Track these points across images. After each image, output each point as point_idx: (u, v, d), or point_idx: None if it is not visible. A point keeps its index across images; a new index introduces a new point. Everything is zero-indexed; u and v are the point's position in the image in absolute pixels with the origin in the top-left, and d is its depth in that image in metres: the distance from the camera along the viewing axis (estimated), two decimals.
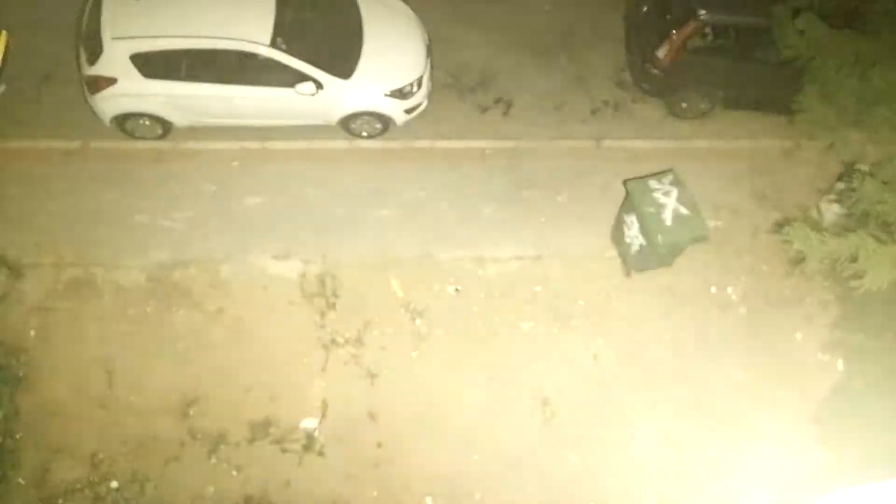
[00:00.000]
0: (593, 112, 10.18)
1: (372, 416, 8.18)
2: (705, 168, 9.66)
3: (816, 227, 7.75)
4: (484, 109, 10.10)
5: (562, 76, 10.36)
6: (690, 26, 9.29)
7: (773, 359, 8.81)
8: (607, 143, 9.95)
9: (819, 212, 9.39)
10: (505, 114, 10.09)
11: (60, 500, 7.47)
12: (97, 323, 8.34)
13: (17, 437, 7.61)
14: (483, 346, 8.63)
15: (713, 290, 9.17)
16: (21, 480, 7.54)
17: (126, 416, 7.92)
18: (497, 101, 10.17)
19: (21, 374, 7.86)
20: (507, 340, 8.68)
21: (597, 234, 9.28)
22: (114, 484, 7.60)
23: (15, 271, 8.37)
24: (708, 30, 9.40)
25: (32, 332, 8.22)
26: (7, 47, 9.21)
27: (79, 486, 7.55)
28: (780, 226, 8.44)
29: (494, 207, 9.45)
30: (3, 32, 9.17)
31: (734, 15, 9.31)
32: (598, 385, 8.54)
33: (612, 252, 9.21)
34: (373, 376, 8.36)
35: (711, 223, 8.96)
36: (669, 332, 8.89)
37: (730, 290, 9.17)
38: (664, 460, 8.23)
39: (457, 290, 8.94)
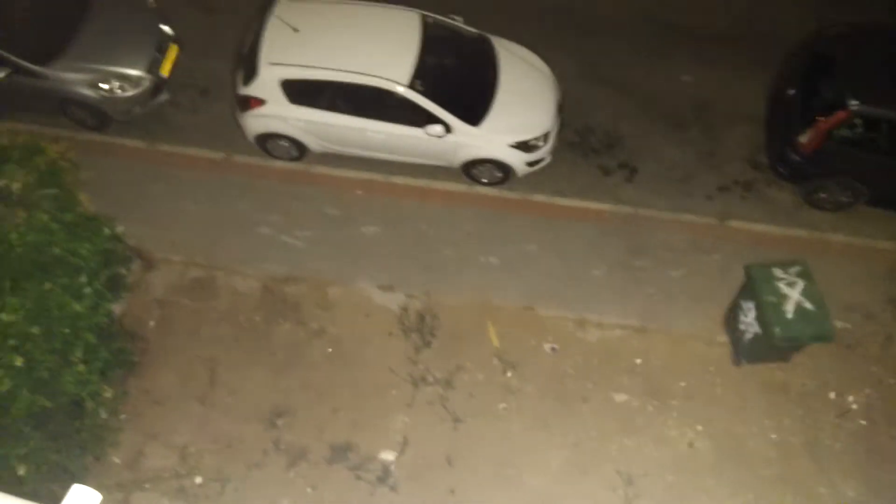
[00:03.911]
0: (721, 189, 9.85)
1: (449, 461, 8.09)
2: (838, 265, 9.07)
3: None
4: (607, 172, 10.01)
5: (693, 149, 10.11)
6: (839, 116, 8.82)
7: (889, 481, 8.00)
8: (733, 223, 9.57)
9: None
10: (628, 179, 9.94)
11: (148, 485, 7.76)
12: (210, 323, 8.78)
13: (121, 417, 8.04)
14: (572, 410, 8.38)
15: (832, 395, 8.49)
16: (117, 459, 7.91)
17: (220, 416, 8.22)
18: (621, 166, 10.05)
19: (135, 360, 8.33)
20: (598, 408, 8.40)
21: (708, 315, 8.87)
22: (198, 479, 7.85)
23: (147, 263, 8.97)
24: (858, 121, 8.89)
25: (152, 323, 8.74)
26: (176, 60, 10.11)
27: (166, 475, 7.84)
28: None
29: (604, 272, 9.27)
30: (174, 46, 10.09)
31: (889, 109, 8.76)
32: (690, 474, 8.05)
33: (724, 337, 8.76)
34: (457, 421, 8.30)
35: (838, 324, 8.35)
36: (777, 432, 8.28)
37: (851, 398, 8.47)
38: None
39: (553, 348, 8.78)
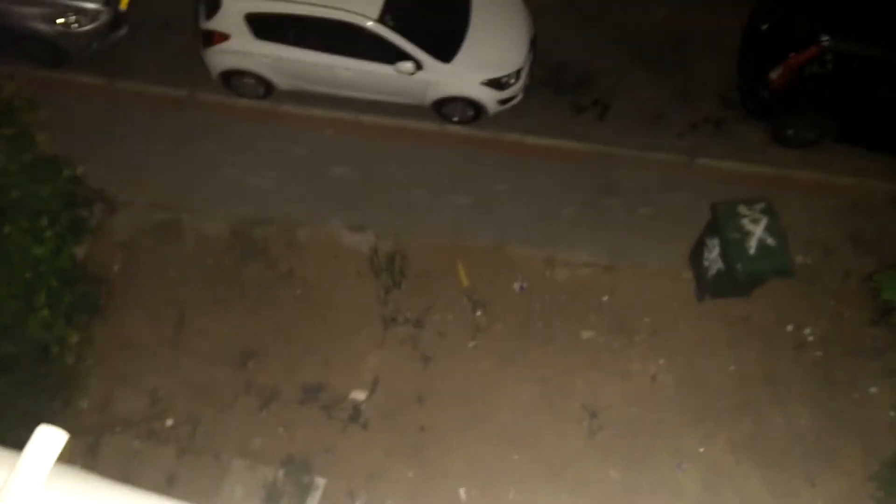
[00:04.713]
0: (692, 127, 9.82)
1: (420, 399, 8.25)
2: (803, 201, 9.18)
3: None
4: (579, 110, 9.92)
5: (666, 86, 10.03)
6: (811, 51, 8.77)
7: (842, 409, 8.33)
8: (702, 160, 9.59)
9: None
10: (601, 117, 9.87)
11: (118, 429, 7.83)
12: (177, 266, 8.73)
13: (88, 362, 8.03)
14: (540, 347, 8.54)
15: (790, 328, 8.72)
16: (85, 404, 7.94)
17: (190, 359, 8.27)
18: (594, 104, 9.95)
19: (100, 304, 8.26)
20: (565, 345, 8.56)
21: (675, 252, 8.98)
22: (169, 422, 7.94)
23: (110, 205, 8.83)
24: (829, 57, 8.84)
25: (117, 266, 8.67)
26: None
27: (137, 418, 7.91)
28: (872, 272, 7.96)
29: (574, 210, 9.30)
30: None
31: (860, 46, 8.71)
32: (652, 406, 8.31)
33: (688, 274, 8.90)
34: (427, 360, 8.43)
35: (799, 259, 8.53)
36: (736, 364, 8.53)
37: (808, 331, 8.70)
38: (706, 492, 7.93)
39: (523, 287, 8.87)
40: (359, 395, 8.25)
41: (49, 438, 2.69)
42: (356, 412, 8.15)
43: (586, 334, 8.64)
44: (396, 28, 8.78)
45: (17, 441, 2.68)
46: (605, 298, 8.80)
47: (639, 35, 10.27)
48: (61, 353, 6.70)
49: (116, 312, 8.35)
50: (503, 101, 9.48)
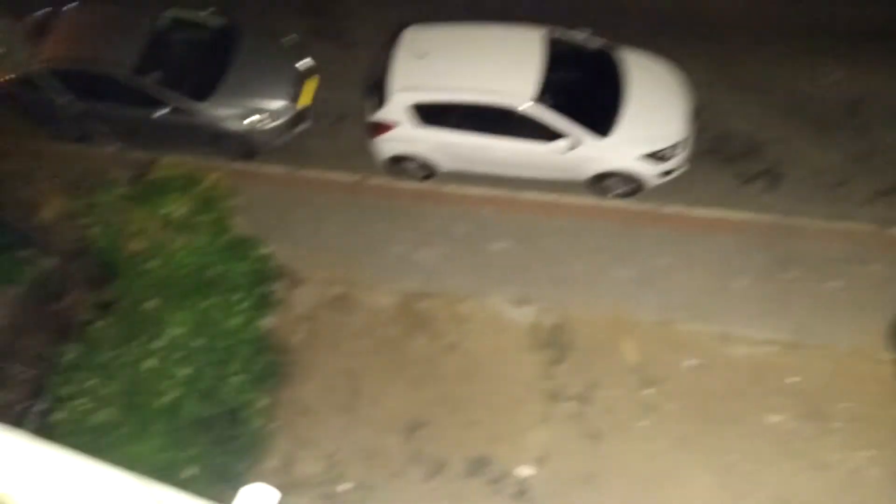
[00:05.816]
0: (881, 194, 9.08)
1: (589, 479, 7.89)
2: None
3: None
4: (747, 180, 9.51)
5: (844, 152, 9.42)
6: None
7: None
8: (895, 230, 8.80)
9: None
10: (771, 187, 9.40)
11: (298, 490, 8.04)
12: (350, 337, 9.12)
13: (273, 425, 8.40)
14: (721, 430, 7.95)
15: None
16: (271, 464, 8.29)
17: (362, 426, 8.49)
18: (763, 173, 9.52)
19: (284, 372, 8.74)
20: (749, 430, 7.91)
21: (870, 331, 8.16)
22: (343, 486, 8.13)
23: (294, 281, 9.49)
24: None
25: (299, 337, 9.16)
26: (316, 90, 10.73)
27: (315, 481, 8.17)
28: None
29: (748, 283, 8.77)
30: (316, 77, 10.72)
31: None
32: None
33: (889, 355, 8.02)
34: (595, 437, 8.09)
35: None
36: None
37: None
38: None
39: (696, 365, 8.38)
40: (525, 471, 8.03)
41: (261, 496, 2.92)
42: (522, 489, 7.92)
43: (773, 419, 7.93)
44: (553, 106, 8.95)
45: (214, 497, 2.86)
46: (793, 379, 8.09)
47: (810, 101, 9.81)
48: (250, 416, 7.13)
49: (298, 380, 8.77)
50: (663, 174, 9.30)
